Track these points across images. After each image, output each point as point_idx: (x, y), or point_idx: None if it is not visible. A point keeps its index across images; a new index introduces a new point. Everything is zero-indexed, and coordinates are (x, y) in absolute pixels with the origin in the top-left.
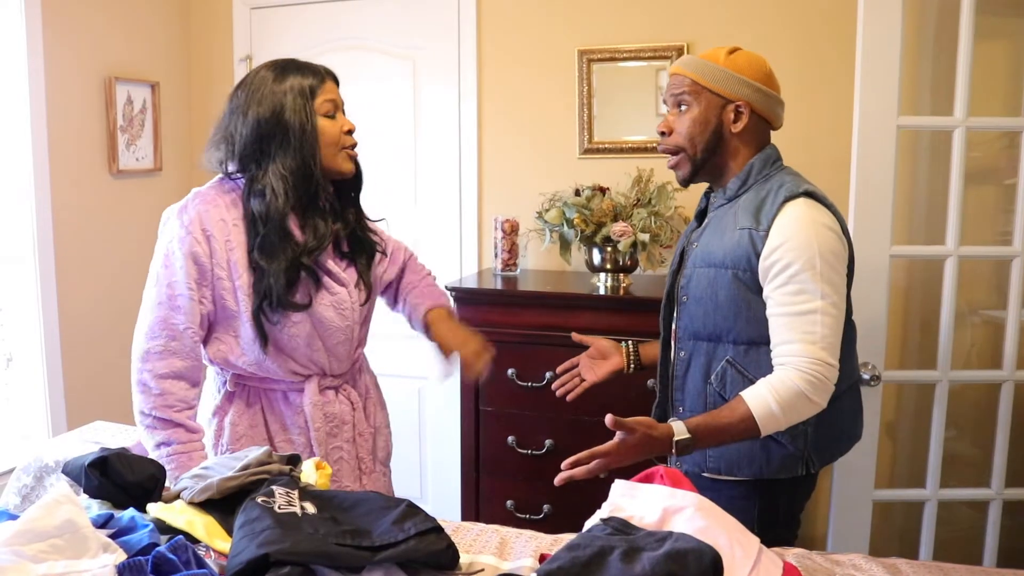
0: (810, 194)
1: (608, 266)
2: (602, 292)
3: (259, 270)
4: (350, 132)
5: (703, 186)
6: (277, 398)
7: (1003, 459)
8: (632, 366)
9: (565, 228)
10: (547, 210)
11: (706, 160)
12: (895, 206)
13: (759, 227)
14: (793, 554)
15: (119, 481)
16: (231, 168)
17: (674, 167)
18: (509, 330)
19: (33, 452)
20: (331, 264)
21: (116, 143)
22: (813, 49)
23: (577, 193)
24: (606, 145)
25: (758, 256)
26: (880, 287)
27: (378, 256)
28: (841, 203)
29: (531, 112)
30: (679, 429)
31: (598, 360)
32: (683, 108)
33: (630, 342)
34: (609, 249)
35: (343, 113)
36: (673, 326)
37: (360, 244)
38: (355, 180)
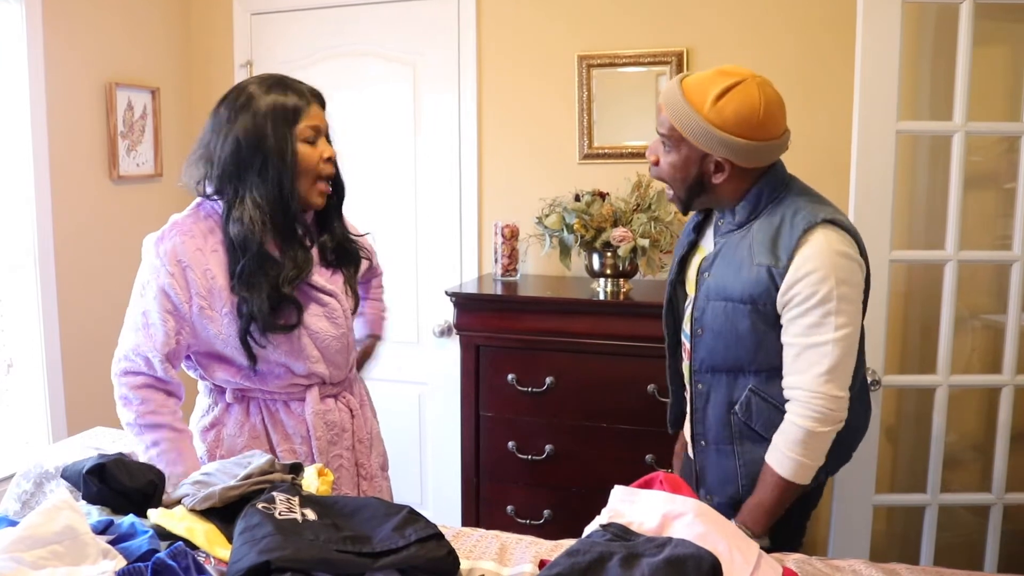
0: (828, 221)
1: (608, 271)
2: (602, 297)
3: (241, 298)
4: (329, 160)
5: None
6: (279, 408)
7: (1003, 464)
8: (675, 424)
9: (565, 233)
10: (547, 215)
11: (693, 199)
12: (895, 211)
13: (778, 263)
14: (793, 560)
15: (117, 487)
16: (209, 190)
17: (667, 192)
18: (509, 335)
19: (33, 458)
20: (317, 277)
21: (117, 149)
22: (813, 55)
23: (577, 198)
24: (606, 150)
25: (778, 290)
26: (880, 292)
27: (364, 264)
28: (841, 207)
29: (531, 117)
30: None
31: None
32: (665, 146)
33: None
34: (609, 254)
35: (326, 138)
36: (686, 342)
37: (346, 254)
38: (337, 191)
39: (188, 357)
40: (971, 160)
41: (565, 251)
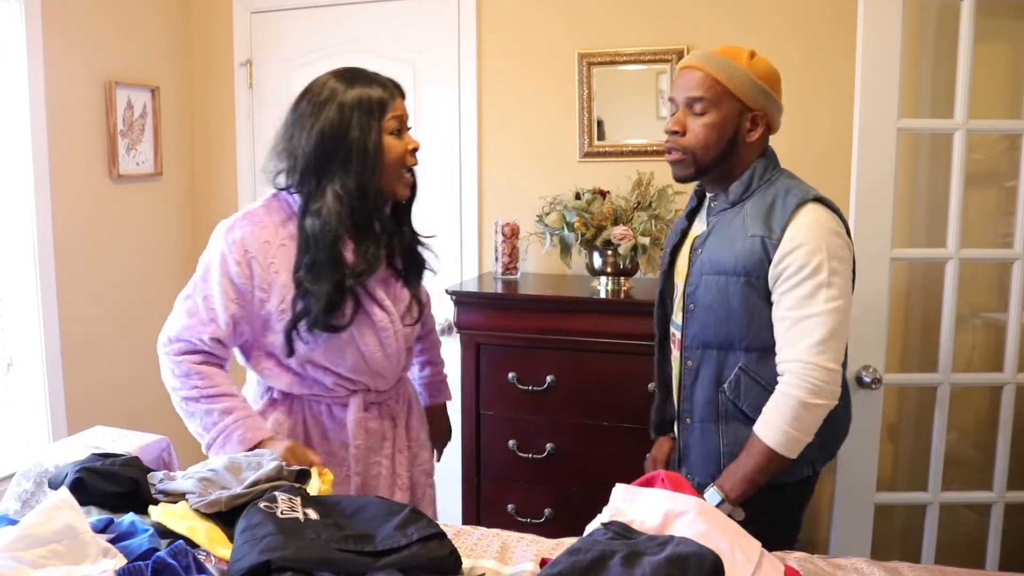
0: (819, 199)
1: (608, 270)
2: (603, 296)
3: (302, 289)
4: (414, 151)
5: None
6: (321, 411)
7: (1005, 462)
8: (659, 428)
9: (565, 232)
10: (547, 214)
11: (713, 167)
12: (896, 209)
13: (772, 235)
14: (794, 558)
15: (98, 496)
16: (289, 183)
17: (675, 163)
18: (509, 334)
19: (33, 457)
20: (378, 290)
21: (116, 148)
22: (814, 52)
23: (577, 197)
24: (606, 148)
25: (770, 262)
26: (881, 290)
27: (427, 273)
28: (842, 206)
29: (531, 115)
30: (710, 496)
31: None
32: (698, 109)
33: (671, 438)
34: (609, 253)
35: (408, 130)
36: (676, 332)
37: (414, 261)
38: (410, 196)
39: (240, 347)
40: (972, 158)
41: (566, 249)
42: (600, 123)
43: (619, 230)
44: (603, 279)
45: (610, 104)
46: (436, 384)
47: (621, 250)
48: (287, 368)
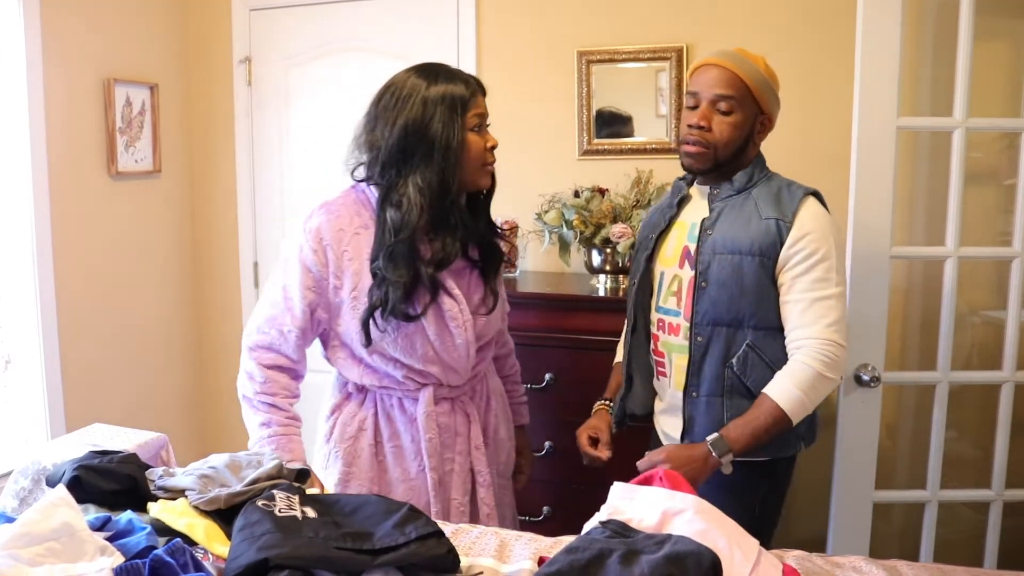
0: (816, 194)
1: (607, 268)
2: (601, 293)
3: (379, 278)
4: (493, 148)
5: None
6: (393, 404)
7: (1003, 460)
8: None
9: (564, 229)
10: (546, 211)
11: (727, 163)
12: (895, 207)
13: (785, 218)
14: (793, 556)
15: (96, 494)
16: (369, 175)
17: (696, 155)
18: (508, 331)
19: (31, 454)
20: (449, 280)
21: (115, 145)
22: (813, 50)
23: (576, 194)
24: (605, 146)
25: (783, 244)
26: (880, 288)
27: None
28: (841, 204)
29: (530, 113)
30: (714, 442)
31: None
32: (724, 108)
33: (608, 405)
34: (608, 251)
35: (488, 127)
36: (665, 318)
37: (490, 252)
38: (490, 188)
39: (320, 337)
40: (971, 156)
41: (564, 247)
42: (599, 121)
43: (618, 228)
44: (602, 277)
45: (609, 102)
46: (513, 407)
47: (620, 248)
48: (359, 359)
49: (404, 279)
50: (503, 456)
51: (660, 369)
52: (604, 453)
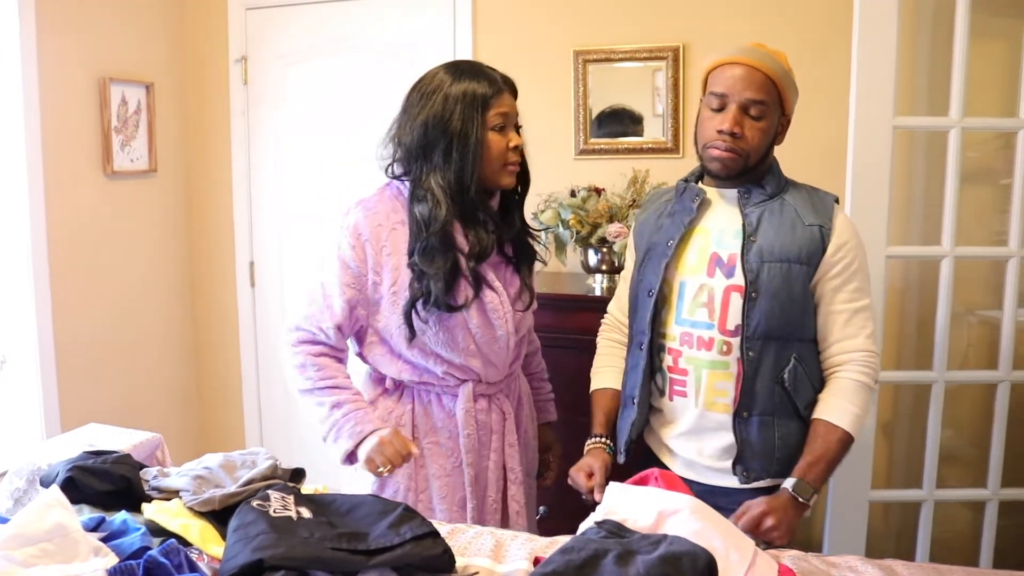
0: (838, 200)
1: (604, 267)
2: (598, 293)
3: (417, 272)
4: (516, 148)
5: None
6: (431, 400)
7: (999, 459)
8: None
9: (561, 229)
10: (543, 211)
11: (755, 168)
12: (891, 207)
13: (825, 225)
14: (789, 556)
15: (91, 495)
16: (397, 171)
17: (728, 160)
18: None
19: (26, 455)
20: (489, 273)
21: (111, 144)
22: (809, 49)
23: (573, 194)
24: (602, 146)
25: (825, 252)
26: (876, 288)
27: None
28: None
29: (527, 112)
30: (797, 487)
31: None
32: (755, 113)
33: (604, 443)
34: (605, 250)
35: (514, 127)
36: (692, 331)
37: (524, 249)
38: (523, 183)
39: (355, 334)
40: (967, 156)
41: (561, 247)
42: (596, 120)
43: (614, 227)
44: (598, 276)
45: (606, 101)
46: (540, 404)
47: (616, 247)
48: (398, 355)
49: (443, 270)
50: (530, 454)
51: (677, 388)
52: (598, 496)
